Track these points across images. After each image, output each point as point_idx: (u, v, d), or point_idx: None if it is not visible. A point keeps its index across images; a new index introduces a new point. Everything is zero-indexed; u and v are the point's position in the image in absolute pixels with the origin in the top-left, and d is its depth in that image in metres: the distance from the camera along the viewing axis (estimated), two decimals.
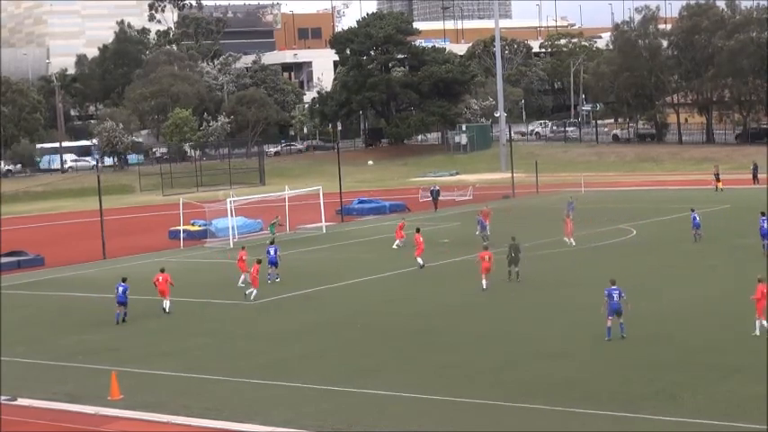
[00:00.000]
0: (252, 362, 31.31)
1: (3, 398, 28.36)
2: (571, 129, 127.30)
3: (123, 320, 38.33)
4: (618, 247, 51.36)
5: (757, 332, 30.50)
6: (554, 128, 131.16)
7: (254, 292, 41.06)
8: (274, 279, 45.47)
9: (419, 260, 46.69)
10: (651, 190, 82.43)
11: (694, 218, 52.05)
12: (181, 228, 63.25)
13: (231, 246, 58.80)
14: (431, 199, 75.73)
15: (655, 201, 72.07)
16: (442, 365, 29.56)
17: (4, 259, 56.62)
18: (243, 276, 44.21)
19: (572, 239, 52.29)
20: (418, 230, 49.01)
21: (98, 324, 38.88)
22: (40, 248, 60.93)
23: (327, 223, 65.19)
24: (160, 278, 40.25)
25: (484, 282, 40.65)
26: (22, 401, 28.23)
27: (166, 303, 40.06)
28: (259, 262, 41.98)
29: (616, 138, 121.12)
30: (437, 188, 77.51)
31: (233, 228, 60.51)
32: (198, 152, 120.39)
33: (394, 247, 54.20)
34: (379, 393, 26.96)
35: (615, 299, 31.47)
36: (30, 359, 33.41)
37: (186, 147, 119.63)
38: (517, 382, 27.32)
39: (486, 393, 26.31)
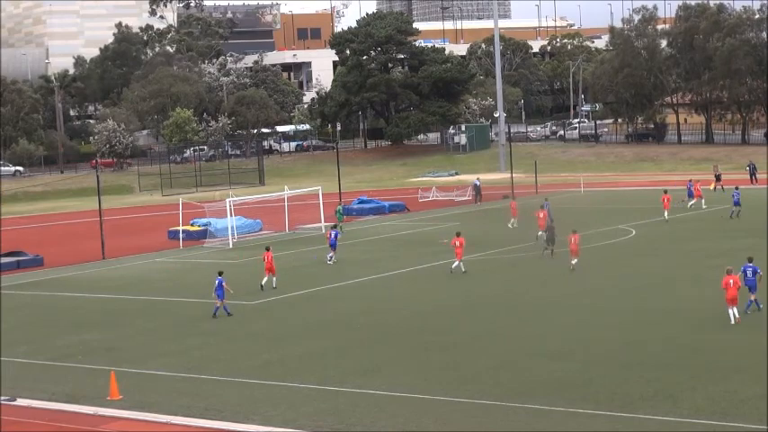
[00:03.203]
0: (252, 362, 31.30)
1: (2, 398, 28.35)
2: (571, 130, 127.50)
3: (228, 314, 38.49)
4: (617, 248, 51.34)
5: (732, 321, 32.14)
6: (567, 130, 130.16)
7: (460, 264, 44.55)
8: (331, 260, 49.78)
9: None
10: (650, 190, 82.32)
11: (734, 195, 59.70)
12: (180, 228, 63.24)
13: (231, 246, 58.85)
14: (474, 194, 78.47)
15: (654, 201, 71.92)
16: (442, 365, 29.56)
17: (4, 259, 56.60)
18: (331, 254, 50.08)
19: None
20: (543, 206, 54.60)
21: (97, 324, 38.90)
22: (40, 249, 60.93)
23: (327, 223, 65.14)
24: (266, 256, 42.98)
25: (573, 261, 44.09)
26: (21, 401, 28.22)
27: (273, 280, 43.02)
28: (458, 234, 45.43)
29: (562, 138, 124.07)
30: (479, 183, 79.71)
31: (232, 228, 60.53)
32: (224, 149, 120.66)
33: (509, 225, 58.99)
34: (379, 393, 26.95)
35: (749, 275, 33.26)
36: (29, 359, 33.40)
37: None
38: (517, 382, 27.31)
39: (485, 393, 26.31)
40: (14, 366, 32.34)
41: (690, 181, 68.46)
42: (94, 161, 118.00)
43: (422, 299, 40.41)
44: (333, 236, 50.71)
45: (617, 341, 31.31)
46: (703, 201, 64.99)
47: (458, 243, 44.97)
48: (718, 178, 77.07)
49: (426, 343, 32.47)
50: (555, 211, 59.68)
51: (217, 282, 38.62)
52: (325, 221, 65.19)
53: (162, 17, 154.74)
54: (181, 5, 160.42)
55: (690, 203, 64.94)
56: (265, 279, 43.32)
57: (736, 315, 32.14)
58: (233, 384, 28.70)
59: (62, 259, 58.19)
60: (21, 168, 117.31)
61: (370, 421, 24.74)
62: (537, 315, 36.06)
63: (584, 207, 63.71)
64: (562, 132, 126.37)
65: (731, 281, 32.36)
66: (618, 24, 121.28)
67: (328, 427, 24.46)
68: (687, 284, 40.07)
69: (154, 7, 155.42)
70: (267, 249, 44.18)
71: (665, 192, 61.69)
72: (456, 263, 45.01)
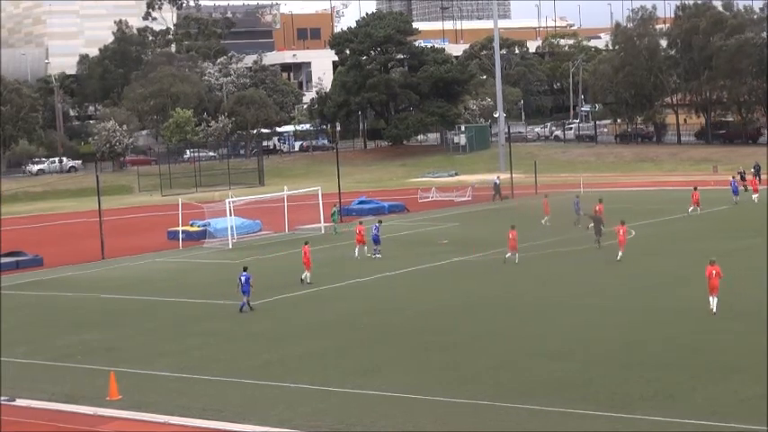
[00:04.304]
0: (251, 362, 31.29)
1: (2, 398, 28.33)
2: (572, 128, 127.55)
3: (251, 308, 39.00)
4: (615, 248, 51.23)
5: (713, 310, 33.85)
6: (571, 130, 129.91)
7: (514, 255, 46.99)
8: (376, 255, 50.94)
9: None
10: (650, 190, 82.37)
11: None
12: (180, 228, 63.22)
13: (230, 246, 58.83)
14: (494, 192, 79.34)
15: (654, 201, 72.03)
16: (442, 365, 29.55)
17: (4, 259, 56.55)
18: (357, 249, 51.45)
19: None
20: (601, 200, 56.29)
21: (97, 324, 38.89)
22: (39, 249, 60.88)
23: (326, 224, 65.15)
24: (304, 251, 44.39)
25: (620, 253, 46.35)
26: (20, 402, 28.22)
27: (306, 275, 44.05)
28: (513, 227, 47.66)
29: (558, 138, 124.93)
30: (498, 181, 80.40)
31: (232, 228, 60.50)
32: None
33: (542, 222, 59.63)
34: (378, 393, 26.93)
35: None
36: (28, 359, 33.39)
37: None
38: (517, 382, 27.30)
39: (485, 393, 26.30)
40: (14, 366, 32.33)
41: (733, 178, 70.42)
42: (125, 158, 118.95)
43: (422, 299, 40.40)
44: (375, 229, 51.87)
45: (617, 341, 31.30)
46: (756, 196, 67.09)
47: (511, 236, 47.15)
48: (742, 177, 76.70)
49: (426, 343, 32.46)
50: (558, 209, 59.82)
51: (243, 278, 38.95)
52: (324, 222, 65.19)
53: (155, 19, 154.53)
54: (174, 8, 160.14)
55: (754, 197, 67.14)
56: (305, 273, 44.34)
57: (715, 304, 33.96)
58: (233, 384, 28.69)
59: (62, 259, 58.15)
60: (75, 164, 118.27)
61: (370, 421, 24.72)
62: (537, 315, 36.05)
63: (583, 207, 63.54)
64: (558, 133, 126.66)
65: (713, 271, 34.27)
66: (621, 22, 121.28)
67: (327, 428, 24.44)
68: (687, 285, 39.98)
69: (149, 11, 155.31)
70: (305, 243, 45.38)
71: (695, 189, 63.54)
72: (509, 254, 47.18)
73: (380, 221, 55.57)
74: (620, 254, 46.42)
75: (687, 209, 61.86)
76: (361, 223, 54.82)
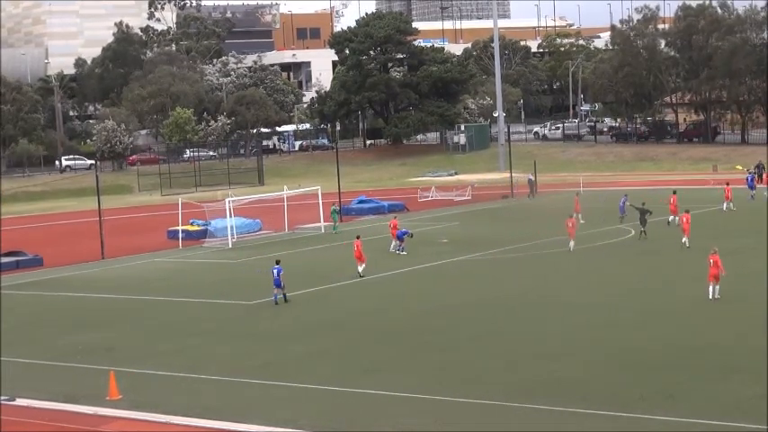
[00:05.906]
0: (252, 362, 31.29)
1: (2, 398, 28.34)
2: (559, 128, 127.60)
3: (285, 300, 39.89)
4: (617, 248, 51.35)
5: (710, 296, 35.72)
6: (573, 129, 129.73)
7: (573, 244, 49.50)
8: (401, 251, 51.91)
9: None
10: (649, 190, 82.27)
11: None
12: (179, 228, 63.22)
13: (230, 245, 58.82)
14: (528, 189, 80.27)
15: (653, 200, 71.87)
16: (442, 365, 29.55)
17: (4, 259, 56.53)
18: (393, 243, 52.51)
19: None
20: (675, 192, 59.23)
21: (97, 324, 38.89)
22: (39, 248, 60.86)
23: (326, 223, 65.15)
24: (356, 245, 45.57)
25: (686, 240, 48.24)
26: (20, 401, 28.21)
27: (361, 267, 45.20)
28: (571, 216, 51.00)
29: (546, 137, 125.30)
30: (532, 178, 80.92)
31: (231, 228, 60.51)
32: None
33: (580, 220, 58.32)
34: (379, 393, 26.94)
35: None
36: (28, 359, 33.39)
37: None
38: (517, 382, 27.30)
39: (485, 393, 26.30)
40: (14, 366, 32.32)
41: (751, 174, 72.16)
42: (130, 156, 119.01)
43: (422, 298, 40.40)
44: (402, 232, 52.98)
45: (617, 341, 31.30)
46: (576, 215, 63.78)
47: (570, 224, 50.25)
48: (758, 175, 76.38)
49: (426, 343, 32.46)
50: (556, 210, 59.89)
51: (275, 271, 39.61)
52: (324, 221, 65.19)
53: (159, 20, 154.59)
54: (176, 8, 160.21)
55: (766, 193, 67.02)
56: (361, 267, 45.24)
57: (716, 294, 35.81)
58: (233, 384, 28.70)
59: (62, 259, 58.13)
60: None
61: (370, 421, 24.72)
62: (537, 315, 36.04)
63: (584, 207, 63.57)
64: (546, 132, 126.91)
65: (712, 260, 36.14)
66: (617, 24, 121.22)
67: (328, 427, 24.45)
68: (687, 284, 39.96)
69: (152, 10, 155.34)
70: (357, 238, 46.78)
71: (728, 184, 65.03)
72: (571, 242, 49.62)
73: (412, 235, 53.87)
74: (684, 240, 48.31)
75: (731, 205, 63.09)
76: (395, 218, 56.82)
